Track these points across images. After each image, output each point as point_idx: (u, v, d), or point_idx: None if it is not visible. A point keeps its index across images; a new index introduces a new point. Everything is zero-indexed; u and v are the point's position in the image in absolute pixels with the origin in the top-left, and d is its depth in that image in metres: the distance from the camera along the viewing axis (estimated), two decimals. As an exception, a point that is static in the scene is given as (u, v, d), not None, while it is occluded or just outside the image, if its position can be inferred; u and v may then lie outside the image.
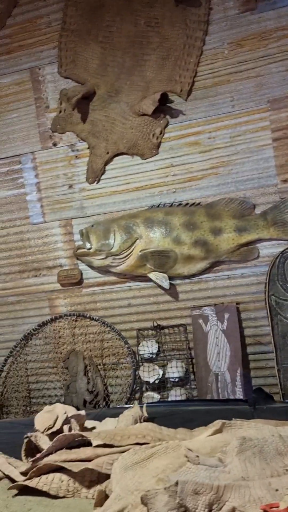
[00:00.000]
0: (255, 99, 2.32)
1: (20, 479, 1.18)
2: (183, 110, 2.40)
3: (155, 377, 2.47)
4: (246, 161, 2.35)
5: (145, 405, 1.56)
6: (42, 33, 2.54)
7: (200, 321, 2.45)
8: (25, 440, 1.28)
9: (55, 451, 1.20)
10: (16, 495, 1.17)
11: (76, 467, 1.11)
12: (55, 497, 1.13)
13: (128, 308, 2.61)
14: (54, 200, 2.66)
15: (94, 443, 1.22)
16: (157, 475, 1.00)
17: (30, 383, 2.75)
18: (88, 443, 1.26)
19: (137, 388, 2.53)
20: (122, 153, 2.50)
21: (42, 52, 2.56)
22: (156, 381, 2.47)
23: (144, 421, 1.40)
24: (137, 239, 2.41)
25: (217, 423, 1.20)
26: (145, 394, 2.51)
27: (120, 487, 0.99)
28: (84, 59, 2.45)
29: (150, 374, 2.48)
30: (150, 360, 2.53)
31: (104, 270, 2.58)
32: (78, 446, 1.25)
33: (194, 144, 2.41)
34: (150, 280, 2.52)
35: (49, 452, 1.20)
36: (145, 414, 1.46)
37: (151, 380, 2.47)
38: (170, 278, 2.44)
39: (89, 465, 1.12)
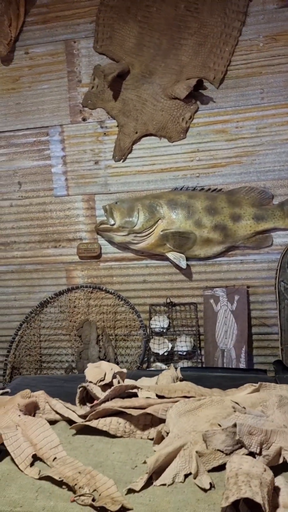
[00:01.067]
0: (284, 94, 2.41)
1: (79, 421, 1.34)
2: (213, 98, 2.48)
3: (164, 349, 2.64)
4: (270, 153, 2.46)
5: (179, 368, 1.72)
6: (80, 5, 2.53)
7: (211, 301, 2.61)
8: (79, 390, 1.44)
9: (111, 399, 1.36)
10: (75, 434, 1.33)
11: (134, 412, 1.28)
12: (113, 436, 1.29)
13: (143, 284, 2.75)
14: (79, 175, 2.73)
15: (143, 394, 1.38)
16: (209, 421, 1.17)
17: (42, 348, 2.89)
18: (134, 395, 1.42)
19: (146, 359, 2.70)
20: (151, 134, 2.57)
21: (79, 25, 2.56)
22: (165, 353, 2.64)
23: (180, 381, 1.58)
24: (159, 219, 2.53)
25: (249, 385, 1.39)
26: (153, 365, 2.69)
27: (178, 428, 1.16)
28: (121, 37, 2.48)
29: (159, 346, 2.65)
30: (160, 334, 2.70)
31: (123, 246, 2.69)
32: (127, 397, 1.42)
33: (221, 131, 2.51)
34: (166, 259, 2.65)
35: (106, 399, 1.35)
36: (180, 375, 1.63)
37: (161, 352, 2.64)
38: (186, 258, 2.57)
39: (147, 410, 1.28)
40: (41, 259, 2.86)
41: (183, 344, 2.62)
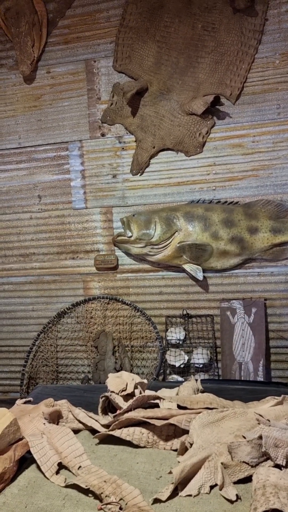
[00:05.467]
0: (300, 109, 2.45)
1: (102, 430, 1.35)
2: (230, 113, 2.53)
3: (181, 361, 2.64)
4: (286, 167, 2.49)
5: (199, 379, 1.72)
6: (100, 27, 2.65)
7: (228, 313, 2.61)
8: (102, 399, 1.45)
9: (133, 409, 1.37)
10: (98, 443, 1.34)
11: (157, 422, 1.29)
12: (137, 446, 1.30)
13: (159, 295, 2.77)
14: (97, 188, 2.80)
15: (165, 405, 1.39)
16: (233, 433, 1.17)
17: (59, 359, 2.91)
18: (155, 406, 1.43)
19: (162, 371, 2.70)
20: (168, 149, 2.64)
21: (99, 45, 2.67)
22: (181, 365, 2.63)
23: (201, 392, 1.58)
24: (176, 231, 2.56)
25: (271, 398, 1.38)
26: (169, 377, 2.68)
27: (202, 439, 1.16)
28: (140, 56, 2.57)
29: (176, 358, 2.65)
30: (176, 345, 2.70)
31: (140, 258, 2.73)
32: (149, 407, 1.42)
33: (238, 146, 2.55)
34: (182, 270, 2.67)
35: (129, 409, 1.36)
36: (200, 387, 1.63)
37: (177, 364, 2.63)
38: (203, 270, 2.59)
39: (170, 421, 1.29)
40: (59, 270, 2.91)
41: (200, 357, 2.62)
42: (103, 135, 2.75)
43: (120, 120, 2.68)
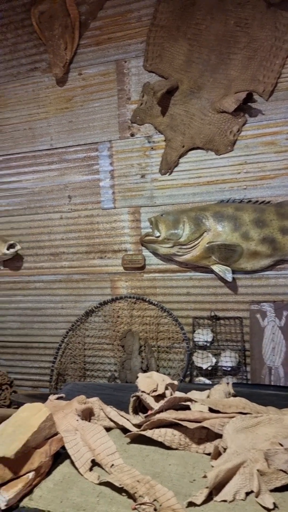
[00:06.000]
0: None
1: (134, 429, 1.35)
2: (262, 110, 2.47)
3: (208, 364, 2.60)
4: None
5: (231, 383, 1.69)
6: (131, 27, 2.66)
7: (258, 315, 2.55)
8: (133, 399, 1.45)
9: (165, 410, 1.36)
10: (129, 443, 1.34)
11: (189, 425, 1.27)
12: (168, 448, 1.29)
13: (187, 296, 2.74)
14: (126, 188, 2.81)
15: (197, 407, 1.38)
16: (269, 439, 1.14)
17: (86, 356, 2.95)
18: (186, 408, 1.42)
19: (188, 372, 2.67)
20: (197, 148, 2.61)
21: (130, 45, 2.68)
22: (209, 368, 2.60)
23: (233, 396, 1.55)
24: (205, 231, 2.53)
25: None
26: (196, 379, 2.65)
27: (236, 445, 1.14)
28: (170, 55, 2.56)
29: (203, 360, 2.61)
30: (204, 347, 2.67)
31: (167, 258, 2.71)
32: (180, 409, 1.41)
33: (270, 143, 2.48)
34: (211, 271, 2.64)
35: (160, 410, 1.36)
36: (232, 391, 1.60)
37: (204, 367, 2.60)
38: (232, 271, 2.54)
39: (204, 424, 1.27)
40: (87, 269, 2.95)
41: (228, 360, 2.57)
42: (132, 135, 2.75)
43: (149, 119, 2.68)
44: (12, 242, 2.94)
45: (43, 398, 2.64)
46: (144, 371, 2.76)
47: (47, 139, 2.94)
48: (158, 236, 2.60)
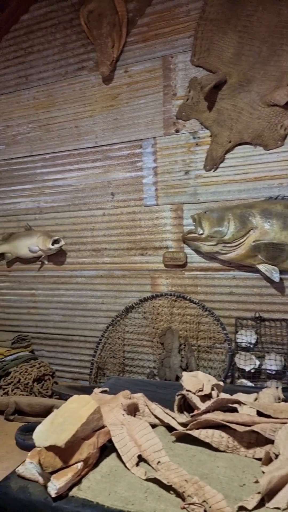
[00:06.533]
0: None
1: (179, 428, 1.34)
2: None
3: (251, 366, 2.52)
4: None
5: (280, 387, 1.63)
6: (179, 21, 2.62)
7: (306, 318, 2.42)
8: (178, 397, 1.44)
9: (212, 411, 1.34)
10: (175, 441, 1.33)
11: (238, 428, 1.24)
12: (215, 449, 1.26)
13: (229, 296, 2.67)
14: (169, 185, 2.79)
15: (245, 410, 1.34)
16: None
17: (126, 352, 2.97)
18: (233, 410, 1.38)
19: (230, 374, 2.60)
20: (245, 143, 2.52)
21: (177, 40, 2.65)
22: (252, 370, 2.51)
23: (282, 401, 1.49)
24: (251, 229, 2.44)
25: None
26: (238, 381, 2.58)
27: None
28: (219, 48, 2.49)
29: (246, 362, 2.53)
30: (246, 349, 2.58)
31: (210, 256, 2.66)
32: (228, 411, 1.38)
33: None
34: (256, 271, 2.55)
35: (207, 410, 1.34)
36: (282, 396, 1.54)
37: (247, 369, 2.52)
38: (280, 271, 2.44)
39: (254, 428, 1.23)
40: (128, 266, 2.97)
41: (273, 363, 2.47)
42: (177, 131, 2.72)
43: (195, 115, 2.63)
44: (56, 237, 3.03)
45: (83, 390, 2.71)
46: (184, 370, 2.73)
47: (92, 137, 2.99)
48: (201, 234, 2.55)
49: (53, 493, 1.10)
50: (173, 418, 1.38)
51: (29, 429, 2.26)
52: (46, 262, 3.22)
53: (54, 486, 1.09)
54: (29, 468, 1.17)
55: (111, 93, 2.90)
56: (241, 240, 2.47)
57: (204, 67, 2.57)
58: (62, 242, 3.02)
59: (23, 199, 3.27)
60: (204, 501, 1.04)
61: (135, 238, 2.93)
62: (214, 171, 2.64)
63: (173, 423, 1.36)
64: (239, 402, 1.38)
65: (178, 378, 2.70)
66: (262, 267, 2.47)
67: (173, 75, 2.69)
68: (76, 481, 1.15)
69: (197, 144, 2.68)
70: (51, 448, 1.14)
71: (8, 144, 3.29)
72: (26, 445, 2.15)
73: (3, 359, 2.94)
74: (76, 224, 3.11)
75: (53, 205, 3.18)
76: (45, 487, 1.13)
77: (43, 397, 2.80)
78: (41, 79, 3.11)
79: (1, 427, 2.50)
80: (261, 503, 1.05)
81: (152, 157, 2.82)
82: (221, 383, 1.49)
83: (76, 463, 1.16)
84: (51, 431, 1.18)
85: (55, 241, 3.03)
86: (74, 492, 1.12)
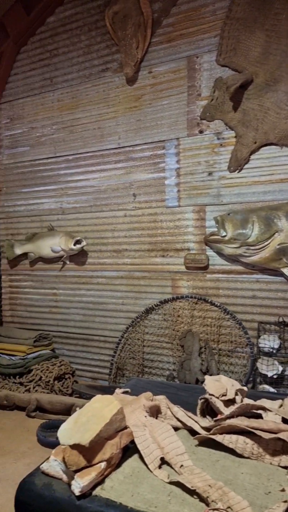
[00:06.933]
0: None
1: (202, 432, 1.32)
2: None
3: (274, 371, 2.46)
4: None
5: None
6: (205, 21, 2.61)
7: None
8: (201, 401, 1.42)
9: (236, 416, 1.31)
10: (198, 445, 1.31)
11: (264, 435, 1.21)
12: (239, 456, 1.24)
13: (252, 299, 2.62)
14: (192, 186, 2.77)
15: (270, 417, 1.30)
16: None
17: (145, 353, 2.96)
18: (258, 416, 1.35)
19: (251, 379, 2.55)
20: (271, 144, 2.48)
21: (203, 40, 2.63)
22: (274, 376, 2.46)
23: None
24: (276, 231, 2.39)
25: None
26: (260, 386, 2.52)
27: None
28: (246, 47, 2.46)
29: (268, 368, 2.48)
30: (269, 354, 2.53)
31: (233, 258, 2.62)
32: (251, 417, 1.35)
33: None
34: (280, 274, 2.49)
35: (231, 416, 1.31)
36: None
37: (270, 374, 2.46)
38: (305, 275, 2.38)
39: (280, 435, 1.20)
40: (148, 267, 2.96)
41: (296, 369, 2.41)
42: (201, 132, 2.70)
43: (220, 115, 2.60)
44: (78, 238, 3.06)
45: (103, 390, 2.72)
46: (204, 373, 2.70)
47: (115, 138, 3.01)
48: (224, 236, 2.52)
49: (77, 491, 1.10)
50: (196, 422, 1.36)
51: (50, 426, 2.28)
52: (68, 262, 3.26)
53: (78, 484, 1.10)
54: (53, 465, 1.18)
55: (134, 94, 2.91)
56: (266, 243, 2.42)
57: (230, 67, 2.54)
58: (84, 243, 3.05)
59: (46, 200, 3.32)
60: (228, 507, 1.02)
61: (156, 239, 2.92)
62: (238, 172, 2.60)
63: (196, 427, 1.34)
64: (264, 409, 1.35)
65: (198, 381, 2.67)
66: (286, 271, 2.41)
67: (197, 75, 2.68)
68: (99, 481, 1.15)
69: (221, 145, 2.65)
70: (75, 447, 1.14)
71: (32, 145, 3.35)
72: (47, 442, 2.18)
73: (25, 357, 3.00)
74: (97, 225, 3.13)
75: (75, 206, 3.22)
76: (69, 485, 1.14)
77: (64, 395, 2.83)
78: (65, 81, 3.16)
79: (22, 424, 2.54)
80: (288, 513, 1.02)
81: (175, 158, 2.80)
82: (245, 388, 1.47)
83: (99, 462, 1.16)
84: (75, 430, 1.19)
85: (77, 242, 3.06)
86: (97, 491, 1.12)
